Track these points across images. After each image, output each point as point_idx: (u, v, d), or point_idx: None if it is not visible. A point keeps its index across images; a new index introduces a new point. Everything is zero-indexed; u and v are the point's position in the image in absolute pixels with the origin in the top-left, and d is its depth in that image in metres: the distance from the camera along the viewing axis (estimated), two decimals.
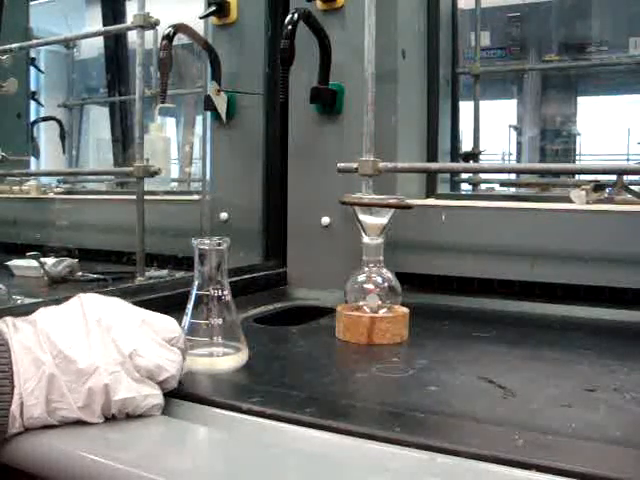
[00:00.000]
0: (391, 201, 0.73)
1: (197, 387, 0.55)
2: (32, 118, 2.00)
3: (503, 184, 1.62)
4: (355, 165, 0.90)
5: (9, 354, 0.46)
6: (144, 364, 0.49)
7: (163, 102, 1.15)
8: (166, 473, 0.42)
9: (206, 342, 0.60)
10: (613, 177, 0.87)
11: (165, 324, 0.52)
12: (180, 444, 0.47)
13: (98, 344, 0.48)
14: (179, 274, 1.17)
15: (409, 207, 0.74)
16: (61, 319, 0.50)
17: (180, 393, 0.52)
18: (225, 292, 0.61)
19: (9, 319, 0.50)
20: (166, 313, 0.82)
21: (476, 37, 1.74)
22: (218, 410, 0.50)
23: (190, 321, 0.60)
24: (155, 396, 0.49)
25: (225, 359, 0.60)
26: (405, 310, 0.74)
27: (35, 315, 0.51)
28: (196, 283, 0.61)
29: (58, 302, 0.71)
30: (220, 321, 0.60)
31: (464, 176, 1.53)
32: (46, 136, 2.23)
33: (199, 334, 0.60)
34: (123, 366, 0.48)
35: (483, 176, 1.57)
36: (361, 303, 0.73)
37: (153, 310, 0.81)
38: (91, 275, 1.14)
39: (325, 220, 1.05)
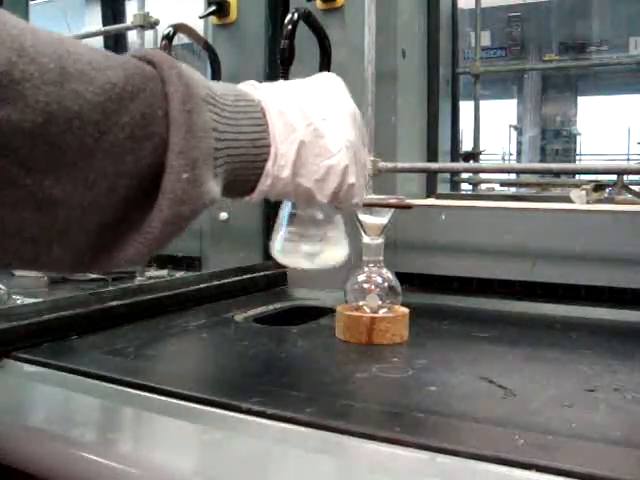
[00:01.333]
0: (391, 201, 0.73)
1: (197, 387, 0.55)
2: None
3: (503, 184, 1.62)
4: None
5: (264, 112, 0.46)
6: (367, 160, 0.53)
7: None
8: (166, 473, 0.42)
9: (305, 232, 0.57)
10: (613, 177, 0.87)
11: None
12: (180, 444, 0.47)
13: (348, 124, 0.49)
14: (179, 274, 1.17)
15: (409, 207, 0.74)
16: (311, 91, 0.50)
17: (180, 393, 0.52)
18: None
19: (253, 82, 0.50)
20: (166, 313, 0.83)
21: (476, 37, 1.74)
22: (218, 410, 0.50)
23: (290, 211, 0.57)
24: (363, 190, 0.52)
25: (327, 252, 0.57)
26: (405, 310, 0.74)
27: (280, 84, 0.51)
28: None
29: (58, 302, 0.72)
30: (318, 213, 0.57)
31: (464, 176, 1.53)
32: None
33: (298, 224, 0.57)
34: (359, 153, 0.50)
35: (483, 176, 1.57)
36: (361, 303, 0.73)
37: (152, 311, 0.82)
38: (91, 275, 1.14)
39: None
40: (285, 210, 0.58)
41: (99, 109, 0.35)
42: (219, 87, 0.44)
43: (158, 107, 0.38)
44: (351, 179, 0.49)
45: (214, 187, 0.41)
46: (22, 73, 0.32)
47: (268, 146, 0.46)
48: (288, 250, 0.57)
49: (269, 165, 0.46)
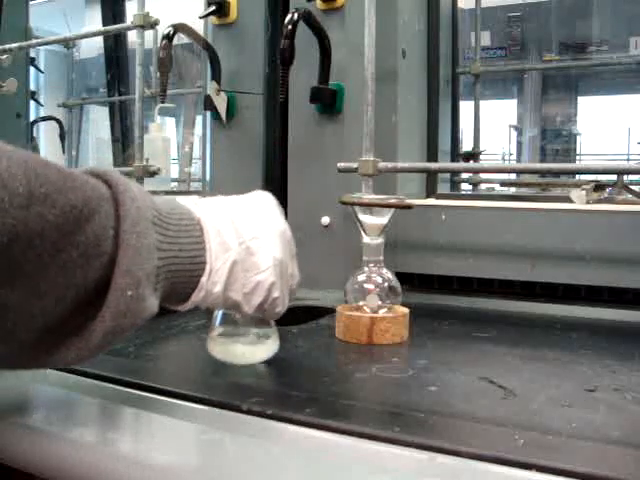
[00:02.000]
0: (391, 201, 0.73)
1: (196, 387, 0.55)
2: (32, 118, 2.00)
3: (503, 184, 1.62)
4: (355, 165, 0.90)
5: (202, 231, 0.50)
6: (295, 271, 0.57)
7: (163, 102, 1.15)
8: (166, 473, 0.42)
9: (238, 331, 0.60)
10: (613, 177, 0.87)
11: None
12: (180, 444, 0.47)
13: (277, 243, 0.53)
14: None
15: (409, 207, 0.74)
16: (245, 210, 0.54)
17: (180, 393, 0.52)
18: None
19: (195, 198, 0.53)
20: (164, 314, 0.83)
21: (476, 37, 1.74)
22: (218, 410, 0.50)
23: (223, 312, 0.61)
24: (286, 300, 0.56)
25: (259, 348, 0.61)
26: (405, 310, 0.74)
27: (218, 201, 0.54)
28: None
29: None
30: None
31: (464, 176, 1.53)
32: (46, 136, 2.23)
33: (230, 322, 0.61)
34: (285, 269, 0.54)
35: (483, 176, 1.57)
36: (361, 303, 0.73)
37: None
38: None
39: (325, 220, 1.05)
40: (218, 311, 0.62)
41: (58, 229, 0.38)
42: (165, 207, 0.48)
43: (110, 227, 0.42)
44: (276, 293, 0.53)
45: (154, 302, 0.45)
46: None
47: (204, 263, 0.50)
48: (220, 348, 0.61)
49: (203, 280, 0.50)
